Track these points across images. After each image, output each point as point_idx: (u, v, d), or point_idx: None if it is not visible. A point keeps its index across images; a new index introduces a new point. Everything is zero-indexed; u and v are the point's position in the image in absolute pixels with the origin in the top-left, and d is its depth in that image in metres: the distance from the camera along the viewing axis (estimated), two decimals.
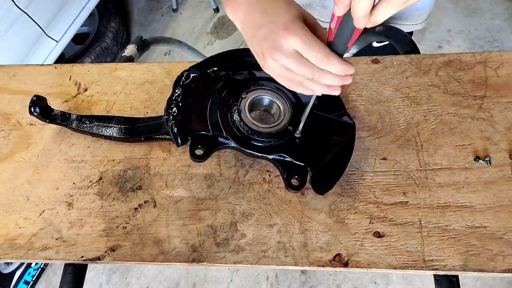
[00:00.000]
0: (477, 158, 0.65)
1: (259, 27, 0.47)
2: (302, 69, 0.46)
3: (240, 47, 1.12)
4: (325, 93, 0.50)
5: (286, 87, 0.51)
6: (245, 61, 0.72)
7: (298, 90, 0.51)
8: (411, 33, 1.01)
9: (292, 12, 0.46)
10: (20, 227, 0.65)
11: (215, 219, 0.64)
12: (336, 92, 0.50)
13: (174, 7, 2.62)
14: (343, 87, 0.50)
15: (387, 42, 0.98)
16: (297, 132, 0.64)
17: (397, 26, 0.94)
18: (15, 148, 0.73)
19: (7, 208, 0.67)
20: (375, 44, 1.02)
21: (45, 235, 0.64)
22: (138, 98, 0.76)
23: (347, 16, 0.41)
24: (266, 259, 0.60)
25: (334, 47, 0.45)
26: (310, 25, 0.47)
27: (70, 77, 0.80)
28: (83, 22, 2.01)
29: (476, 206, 0.62)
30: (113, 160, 0.70)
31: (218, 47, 2.44)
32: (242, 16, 0.50)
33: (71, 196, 0.67)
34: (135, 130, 0.69)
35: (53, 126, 0.74)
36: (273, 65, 0.47)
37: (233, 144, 0.65)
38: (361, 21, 0.39)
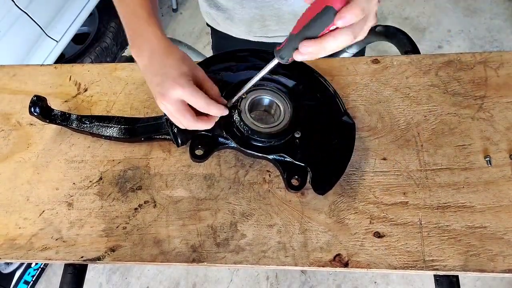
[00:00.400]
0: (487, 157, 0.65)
1: (155, 74, 0.57)
2: (179, 116, 0.57)
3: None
4: (203, 128, 0.59)
5: (179, 125, 0.60)
6: (245, 61, 0.72)
7: (187, 127, 0.59)
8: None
9: (182, 68, 0.56)
10: (20, 227, 0.65)
11: (215, 219, 0.64)
12: (209, 126, 0.60)
13: (174, 7, 2.62)
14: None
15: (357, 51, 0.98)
16: (229, 103, 0.64)
17: None
18: (15, 148, 0.73)
19: (7, 208, 0.67)
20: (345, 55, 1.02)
21: (45, 235, 0.64)
22: (138, 98, 0.76)
23: (318, 19, 0.44)
24: (266, 259, 0.60)
25: (280, 56, 0.50)
26: (200, 79, 0.58)
27: (70, 77, 0.80)
28: (83, 22, 2.01)
29: (476, 206, 0.62)
30: (113, 160, 0.70)
31: None
32: (145, 61, 0.59)
33: (71, 196, 0.67)
34: (135, 130, 0.69)
35: (53, 126, 0.74)
36: (163, 107, 0.57)
37: (233, 144, 0.65)
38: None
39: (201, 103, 0.56)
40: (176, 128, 0.65)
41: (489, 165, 0.65)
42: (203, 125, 0.59)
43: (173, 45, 0.59)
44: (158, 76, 0.56)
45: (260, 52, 0.72)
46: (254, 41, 0.97)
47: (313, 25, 0.45)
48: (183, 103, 0.56)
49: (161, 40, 0.59)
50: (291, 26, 0.47)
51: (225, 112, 0.59)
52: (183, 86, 0.54)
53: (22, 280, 1.72)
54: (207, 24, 1.07)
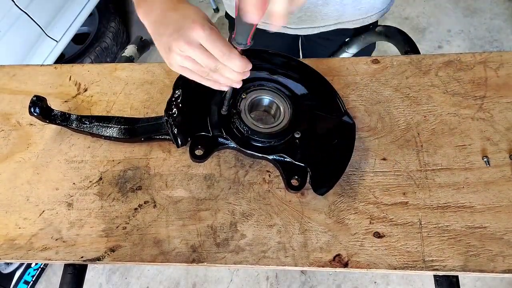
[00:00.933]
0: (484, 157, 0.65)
1: (168, 24, 0.51)
2: (207, 61, 0.50)
3: None
4: (229, 85, 0.55)
5: (193, 79, 0.54)
6: None
7: (205, 82, 0.55)
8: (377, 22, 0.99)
9: (200, 12, 0.51)
10: (20, 228, 0.65)
11: (215, 220, 0.64)
12: (238, 86, 0.55)
13: None
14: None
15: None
16: (223, 110, 0.63)
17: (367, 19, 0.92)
18: (15, 148, 0.73)
19: (7, 208, 0.67)
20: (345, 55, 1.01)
21: (45, 235, 0.64)
22: (138, 98, 0.76)
23: (239, 14, 0.43)
24: (266, 260, 0.60)
25: (236, 42, 0.48)
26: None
27: (70, 77, 0.80)
28: (83, 22, 2.01)
29: (476, 206, 0.62)
30: (113, 161, 0.70)
31: None
32: (156, 16, 0.53)
33: (71, 196, 0.67)
34: (135, 130, 0.69)
35: (53, 126, 0.74)
36: (178, 58, 0.50)
37: (233, 144, 0.65)
38: (250, 17, 0.42)
39: (223, 49, 0.48)
40: (176, 129, 0.65)
41: (488, 165, 0.65)
42: (241, 65, 0.50)
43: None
44: (171, 24, 0.50)
45: (260, 52, 0.72)
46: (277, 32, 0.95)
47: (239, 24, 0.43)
48: (203, 48, 0.49)
49: None
50: (316, 18, 0.46)
51: (249, 65, 0.51)
52: (203, 28, 0.48)
53: (22, 280, 1.72)
54: (226, 16, 1.04)
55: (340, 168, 0.64)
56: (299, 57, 1.19)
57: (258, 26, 0.46)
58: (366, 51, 1.03)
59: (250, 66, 0.51)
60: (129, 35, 2.51)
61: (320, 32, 0.95)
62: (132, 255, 0.62)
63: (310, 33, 0.96)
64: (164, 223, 0.64)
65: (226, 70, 0.52)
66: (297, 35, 0.99)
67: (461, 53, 0.76)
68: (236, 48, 0.49)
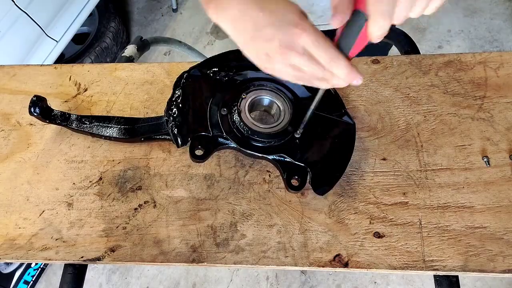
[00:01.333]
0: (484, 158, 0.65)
1: (261, 27, 0.43)
2: (314, 69, 0.45)
3: None
4: (332, 87, 0.49)
5: (290, 81, 0.49)
6: (245, 61, 0.72)
7: (305, 83, 0.49)
8: None
9: (295, 8, 0.43)
10: (20, 227, 0.65)
11: (215, 220, 0.64)
12: (343, 85, 0.48)
13: (174, 7, 2.62)
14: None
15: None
16: (298, 133, 0.64)
17: None
18: (15, 148, 0.73)
19: (7, 208, 0.67)
20: None
21: (45, 235, 0.64)
22: (138, 98, 0.76)
23: (349, 26, 0.41)
24: (266, 260, 0.60)
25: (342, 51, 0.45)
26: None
27: (70, 77, 0.80)
28: (83, 22, 2.01)
29: (476, 206, 0.62)
30: (113, 161, 0.70)
31: (218, 47, 2.44)
32: (234, 15, 0.45)
33: (71, 196, 0.67)
34: (135, 130, 0.69)
35: (53, 126, 0.74)
36: (282, 66, 0.45)
37: (233, 144, 0.65)
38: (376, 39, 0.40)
39: (330, 54, 0.43)
40: (176, 129, 0.65)
41: (488, 165, 0.65)
42: (349, 75, 0.45)
43: None
44: (265, 27, 0.43)
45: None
46: None
47: (346, 33, 0.41)
48: (309, 55, 0.43)
49: None
50: (325, 20, 0.43)
51: (357, 76, 0.45)
52: (309, 32, 0.42)
53: (22, 280, 1.72)
54: None
55: (340, 168, 0.64)
56: None
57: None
58: (382, 51, 1.02)
59: (358, 77, 0.45)
60: (129, 35, 2.51)
61: (327, 30, 0.95)
62: (132, 255, 0.62)
63: (326, 29, 0.95)
64: (164, 223, 0.64)
65: (333, 78, 0.46)
66: None
67: (461, 53, 0.76)
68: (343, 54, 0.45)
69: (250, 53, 0.47)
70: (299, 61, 0.44)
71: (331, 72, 0.45)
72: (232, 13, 0.44)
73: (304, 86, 0.70)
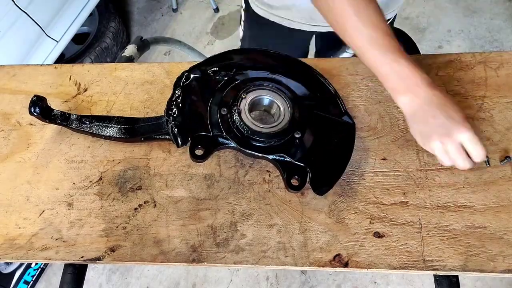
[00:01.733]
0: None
1: (436, 118, 0.58)
2: (462, 162, 0.59)
3: (240, 47, 1.12)
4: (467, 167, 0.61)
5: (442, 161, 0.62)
6: (245, 60, 0.72)
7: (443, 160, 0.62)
8: (394, 18, 1.00)
9: (462, 113, 0.59)
10: (20, 227, 0.65)
11: (215, 219, 0.64)
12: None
13: (174, 7, 2.62)
14: None
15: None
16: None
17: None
18: (15, 148, 0.73)
19: (7, 208, 0.67)
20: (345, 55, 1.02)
21: (45, 235, 0.64)
22: (138, 98, 0.76)
23: None
24: (266, 259, 0.60)
25: None
26: None
27: (70, 77, 0.80)
28: (83, 22, 2.01)
29: (476, 206, 0.62)
30: (113, 160, 0.70)
31: (218, 47, 2.44)
32: (419, 106, 0.59)
33: (71, 196, 0.67)
34: (135, 130, 0.69)
35: (53, 126, 0.74)
36: (437, 145, 0.59)
37: (233, 144, 0.65)
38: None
39: (479, 150, 0.58)
40: (176, 129, 0.65)
41: (488, 165, 0.65)
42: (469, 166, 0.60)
43: (438, 86, 0.60)
44: (439, 119, 0.58)
45: (260, 52, 0.72)
46: (307, 31, 0.97)
47: None
48: (462, 149, 0.59)
49: (429, 83, 0.59)
50: None
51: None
52: (470, 131, 0.57)
53: (22, 280, 1.72)
54: (249, 12, 1.04)
55: (340, 168, 0.64)
56: (313, 53, 1.22)
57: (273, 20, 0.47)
58: None
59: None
60: (129, 35, 2.51)
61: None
62: (132, 255, 0.62)
63: (327, 30, 0.96)
64: (164, 223, 0.64)
65: (467, 167, 0.60)
66: (312, 31, 1.00)
67: (461, 53, 0.76)
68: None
69: (417, 132, 0.62)
70: (451, 148, 0.59)
71: (473, 164, 0.60)
72: (419, 104, 0.59)
73: (303, 85, 0.70)
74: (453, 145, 0.58)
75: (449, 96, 0.60)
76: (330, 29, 0.97)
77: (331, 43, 1.08)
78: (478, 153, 0.58)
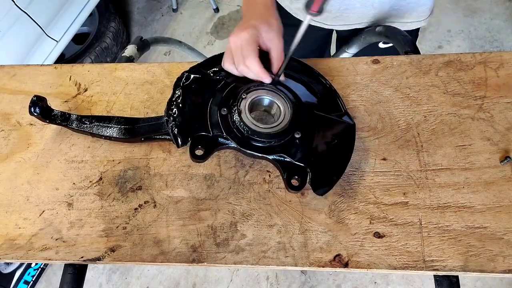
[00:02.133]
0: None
1: (245, 20, 0.69)
2: (237, 56, 0.66)
3: None
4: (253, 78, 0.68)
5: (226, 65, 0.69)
6: None
7: (237, 68, 0.68)
8: (417, 30, 1.02)
9: (259, 23, 0.67)
10: (20, 227, 0.65)
11: (215, 220, 0.64)
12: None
13: (174, 7, 2.62)
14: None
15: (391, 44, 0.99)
16: (276, 78, 0.68)
17: (402, 24, 0.95)
18: (15, 148, 0.73)
19: (7, 208, 0.67)
20: (381, 45, 1.04)
21: (45, 235, 0.64)
22: (138, 98, 0.76)
23: None
24: (266, 260, 0.60)
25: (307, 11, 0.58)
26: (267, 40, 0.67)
27: (70, 77, 0.80)
28: (83, 22, 2.01)
29: (476, 206, 0.62)
30: (113, 161, 0.70)
31: (218, 47, 2.44)
32: (245, 11, 0.73)
33: (71, 196, 0.67)
34: (135, 130, 0.69)
35: (53, 126, 0.74)
36: (230, 41, 0.67)
37: (233, 144, 0.65)
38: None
39: (247, 56, 0.65)
40: (176, 129, 0.65)
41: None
42: (256, 74, 0.66)
43: (274, 16, 0.71)
44: (244, 21, 0.69)
45: (260, 52, 0.72)
46: (325, 28, 1.02)
47: None
48: (248, 43, 0.65)
49: (268, 9, 0.71)
50: (353, 17, 0.50)
51: (265, 79, 0.67)
52: (244, 36, 0.65)
53: (22, 280, 1.72)
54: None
55: (340, 168, 0.64)
56: (331, 50, 1.28)
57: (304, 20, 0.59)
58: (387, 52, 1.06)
59: (266, 79, 0.67)
60: (129, 35, 2.51)
61: (355, 28, 0.97)
62: (132, 255, 0.62)
63: (345, 29, 1.00)
64: (164, 223, 0.64)
65: (246, 72, 0.67)
66: (331, 29, 1.02)
67: (461, 53, 0.76)
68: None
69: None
70: (232, 44, 0.66)
71: (245, 67, 0.66)
72: (245, 17, 0.71)
73: (304, 86, 0.70)
74: (234, 42, 0.66)
75: (271, 18, 0.70)
76: (342, 28, 0.99)
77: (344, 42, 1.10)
78: (243, 55, 0.65)
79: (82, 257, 0.62)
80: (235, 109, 0.65)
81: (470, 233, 0.60)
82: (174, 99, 0.67)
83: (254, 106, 0.69)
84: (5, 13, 1.63)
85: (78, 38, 2.15)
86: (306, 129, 0.66)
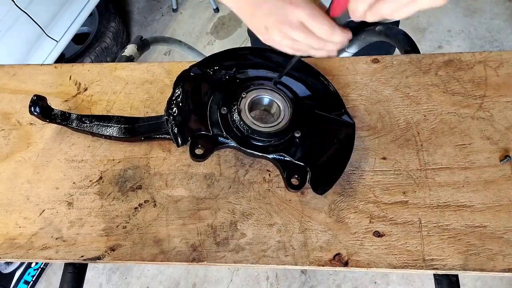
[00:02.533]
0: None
1: (261, 4, 0.50)
2: (309, 40, 0.51)
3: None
4: (325, 56, 0.55)
5: (288, 53, 0.56)
6: (246, 60, 0.72)
7: (303, 54, 0.55)
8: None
9: None
10: (20, 227, 0.65)
11: (215, 219, 0.64)
12: (334, 56, 0.56)
13: (174, 7, 2.63)
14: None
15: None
16: (277, 78, 0.65)
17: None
18: (15, 148, 0.73)
19: (7, 207, 0.67)
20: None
21: (45, 234, 0.64)
22: (138, 98, 0.76)
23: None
24: (266, 259, 0.60)
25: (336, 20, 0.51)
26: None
27: (70, 76, 0.80)
28: (83, 22, 2.01)
29: (476, 205, 0.62)
30: (113, 160, 0.70)
31: (218, 47, 2.44)
32: None
33: (71, 195, 0.67)
34: (135, 129, 0.69)
35: (53, 125, 0.74)
36: (279, 38, 0.51)
37: (233, 143, 0.65)
38: (357, 17, 0.45)
39: (325, 26, 0.49)
40: (176, 128, 0.65)
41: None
42: (344, 40, 0.51)
43: None
44: (264, 4, 0.50)
45: (260, 51, 0.72)
46: None
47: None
48: (305, 28, 0.50)
49: None
50: None
51: (350, 35, 0.52)
52: (303, 7, 0.49)
53: (22, 280, 1.72)
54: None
55: (340, 167, 0.64)
56: None
57: None
58: (387, 51, 1.05)
59: (351, 35, 0.52)
60: (129, 35, 2.51)
61: (354, 27, 0.96)
62: (132, 254, 0.62)
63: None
64: (164, 222, 0.64)
65: (326, 46, 0.52)
66: None
67: (461, 53, 0.76)
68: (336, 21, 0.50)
69: (253, 28, 0.53)
70: (294, 34, 0.50)
71: (324, 43, 0.51)
72: None
73: (303, 85, 0.70)
74: (293, 29, 0.50)
75: None
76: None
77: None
78: (320, 28, 0.49)
79: (82, 256, 0.62)
80: (235, 108, 0.66)
81: (469, 232, 0.60)
82: (174, 98, 0.67)
83: (254, 105, 0.69)
84: (5, 13, 1.63)
85: (78, 38, 2.15)
86: (306, 128, 0.66)
